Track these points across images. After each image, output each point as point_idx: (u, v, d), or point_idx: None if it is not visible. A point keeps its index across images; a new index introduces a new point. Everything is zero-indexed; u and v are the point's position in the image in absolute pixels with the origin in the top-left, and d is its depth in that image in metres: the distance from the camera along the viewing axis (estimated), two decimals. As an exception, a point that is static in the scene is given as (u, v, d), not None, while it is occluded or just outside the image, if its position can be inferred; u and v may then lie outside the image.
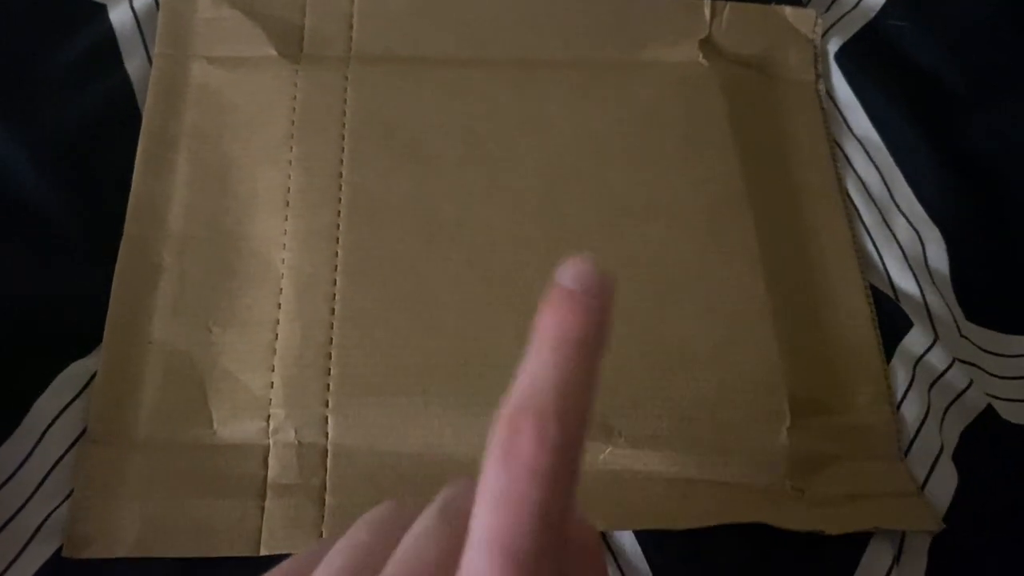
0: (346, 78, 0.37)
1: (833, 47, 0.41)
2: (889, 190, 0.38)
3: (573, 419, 0.16)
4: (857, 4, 0.42)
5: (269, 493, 0.29)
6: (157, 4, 0.38)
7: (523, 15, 0.39)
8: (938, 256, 0.36)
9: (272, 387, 0.31)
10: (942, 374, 0.34)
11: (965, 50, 0.41)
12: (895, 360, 0.34)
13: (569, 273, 0.18)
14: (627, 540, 0.30)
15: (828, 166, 0.38)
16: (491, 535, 0.16)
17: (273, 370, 0.31)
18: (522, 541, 0.15)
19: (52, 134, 0.35)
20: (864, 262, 0.36)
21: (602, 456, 0.30)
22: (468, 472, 0.29)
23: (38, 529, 0.28)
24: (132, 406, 0.30)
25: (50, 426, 0.30)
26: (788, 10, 0.41)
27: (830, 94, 0.40)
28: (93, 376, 0.31)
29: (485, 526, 0.16)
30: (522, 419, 0.16)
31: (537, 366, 0.17)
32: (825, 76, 0.40)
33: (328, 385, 0.31)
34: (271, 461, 0.30)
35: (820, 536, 0.29)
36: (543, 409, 0.16)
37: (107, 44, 0.37)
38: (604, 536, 0.30)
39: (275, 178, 0.34)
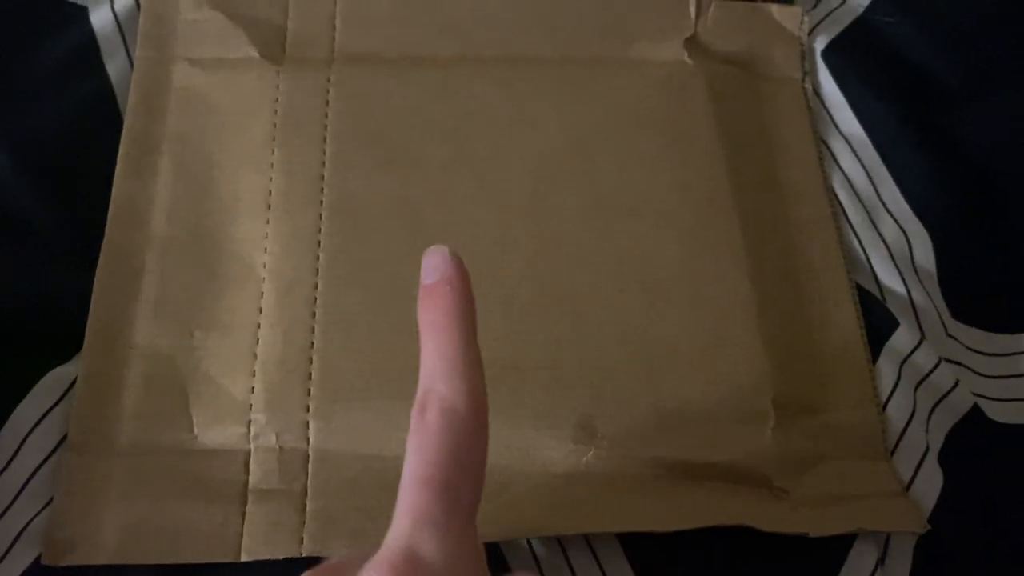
0: (329, 79, 0.36)
1: (820, 44, 0.40)
2: (876, 188, 0.37)
3: (463, 387, 0.21)
4: (844, 1, 0.42)
5: (250, 498, 0.29)
6: (138, 6, 0.38)
7: (508, 13, 0.39)
8: (925, 255, 0.36)
9: (253, 392, 0.30)
10: (928, 374, 0.33)
11: (953, 46, 0.40)
12: (881, 360, 0.34)
13: (425, 268, 0.22)
14: (610, 542, 0.30)
15: (814, 164, 0.38)
16: (412, 474, 0.20)
17: (254, 375, 0.31)
18: (434, 472, 0.20)
19: (32, 137, 0.35)
20: (850, 261, 0.36)
21: (585, 458, 0.30)
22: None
23: (18, 536, 0.28)
24: (113, 411, 0.30)
25: (30, 432, 0.30)
26: (774, 7, 0.41)
27: (817, 92, 0.40)
28: (74, 382, 0.31)
29: (408, 469, 0.20)
30: (425, 400, 0.21)
31: (427, 357, 0.21)
32: (812, 74, 0.40)
33: (309, 390, 0.30)
34: (252, 466, 0.30)
35: (804, 537, 0.29)
36: (438, 390, 0.21)
37: (88, 46, 0.37)
38: (586, 538, 0.30)
39: (257, 181, 0.34)
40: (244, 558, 0.28)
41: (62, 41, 0.37)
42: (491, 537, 0.29)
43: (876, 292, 0.35)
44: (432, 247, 0.22)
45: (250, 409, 0.30)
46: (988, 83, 0.40)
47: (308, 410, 0.30)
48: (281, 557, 0.28)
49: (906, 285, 0.35)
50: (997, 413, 0.34)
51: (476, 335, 0.21)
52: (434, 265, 0.22)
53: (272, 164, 0.35)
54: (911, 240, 0.36)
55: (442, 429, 0.20)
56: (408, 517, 0.20)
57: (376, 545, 0.21)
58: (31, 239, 0.33)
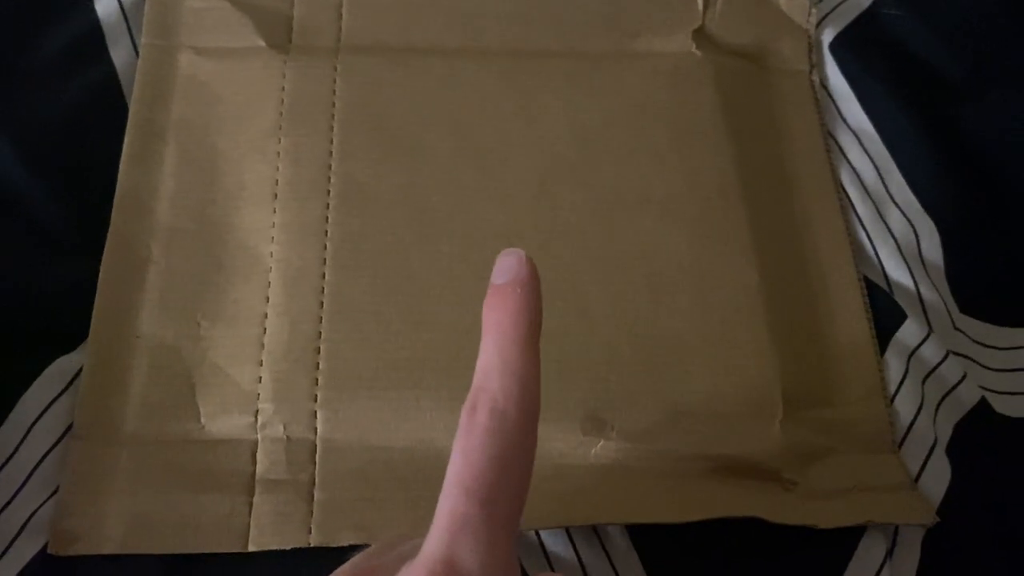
0: (335, 69, 0.36)
1: (827, 37, 0.40)
2: (883, 181, 0.37)
3: (516, 391, 0.20)
4: (851, -6, 0.42)
5: (257, 488, 0.29)
6: (143, -7, 0.37)
7: (515, 5, 0.39)
8: (932, 248, 0.36)
9: (260, 382, 0.30)
10: (936, 367, 0.33)
11: (961, 39, 0.40)
12: (889, 353, 0.34)
13: (497, 268, 0.22)
14: (619, 534, 0.30)
15: (822, 157, 0.38)
16: (455, 478, 0.20)
17: (261, 364, 0.31)
18: (477, 479, 0.20)
19: (37, 125, 0.35)
20: (858, 254, 0.36)
21: (594, 450, 0.30)
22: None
23: (24, 526, 0.28)
24: (119, 401, 0.30)
25: (36, 422, 0.30)
26: (782, -1, 0.41)
27: (824, 84, 0.40)
28: (80, 371, 0.31)
29: (452, 472, 0.20)
30: (477, 399, 0.21)
31: (485, 355, 0.21)
32: (819, 66, 0.40)
33: (317, 380, 0.30)
34: (259, 456, 0.30)
35: (813, 529, 0.29)
36: (492, 389, 0.20)
37: (93, 34, 0.37)
38: (595, 530, 0.30)
39: (263, 170, 0.34)
40: (251, 548, 0.28)
41: (66, 29, 0.37)
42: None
43: (884, 285, 0.35)
44: (508, 249, 0.22)
45: (257, 399, 0.30)
46: (995, 77, 0.40)
47: (316, 400, 0.30)
48: (289, 548, 0.28)
49: (914, 278, 0.35)
50: (1004, 407, 0.34)
51: (539, 342, 0.21)
52: (507, 266, 0.22)
53: (278, 153, 0.34)
54: (919, 233, 0.36)
55: (490, 433, 0.20)
56: (447, 524, 0.20)
57: (405, 538, 0.20)
58: (35, 228, 0.33)
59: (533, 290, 0.21)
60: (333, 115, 0.35)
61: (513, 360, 0.21)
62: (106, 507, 0.28)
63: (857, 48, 0.40)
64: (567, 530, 0.30)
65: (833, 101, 0.39)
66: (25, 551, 0.28)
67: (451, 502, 0.20)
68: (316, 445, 0.30)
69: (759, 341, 0.33)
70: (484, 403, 0.20)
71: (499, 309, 0.21)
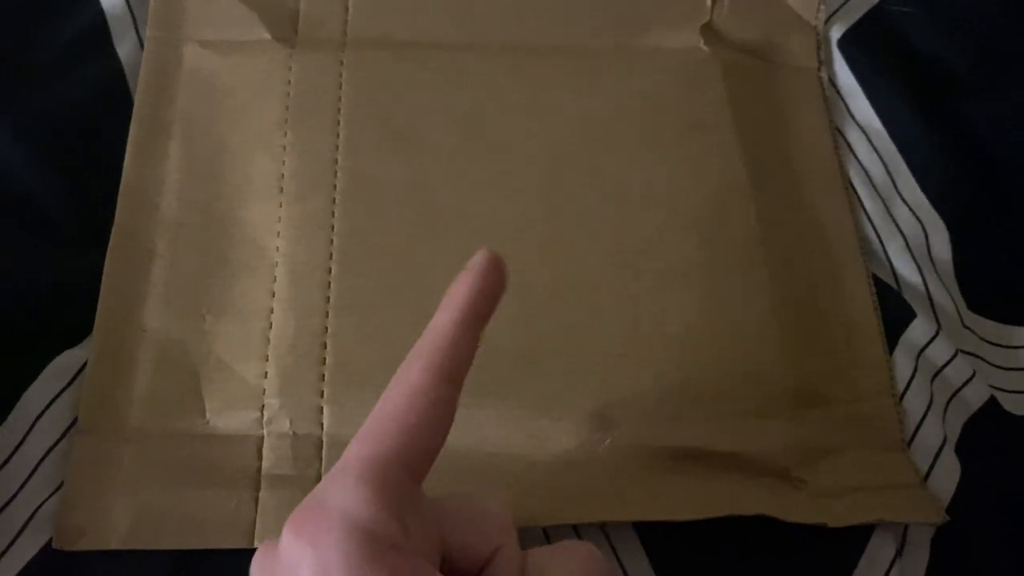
0: (342, 62, 0.36)
1: (836, 34, 0.40)
2: (892, 178, 0.37)
3: (445, 365, 0.22)
4: (859, -10, 0.41)
5: (263, 484, 0.29)
6: (149, -14, 0.37)
7: (522, 0, 0.39)
8: (941, 245, 0.36)
9: (266, 377, 0.30)
10: (945, 365, 0.33)
11: (970, 36, 0.40)
12: (898, 351, 0.33)
13: (469, 262, 0.23)
14: (627, 532, 0.29)
15: (830, 154, 0.38)
16: (347, 461, 0.21)
17: (267, 359, 0.30)
18: (368, 429, 0.21)
19: (42, 119, 0.34)
20: (867, 251, 0.36)
21: (601, 448, 0.30)
22: (466, 463, 0.29)
23: (28, 521, 0.28)
24: (124, 396, 0.30)
25: (40, 416, 0.29)
26: (791, -5, 0.40)
27: (832, 81, 0.40)
28: (84, 366, 0.30)
29: (349, 453, 0.21)
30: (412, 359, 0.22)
31: (431, 324, 0.23)
32: (828, 63, 0.40)
33: (323, 375, 0.30)
34: (265, 452, 0.29)
35: (822, 528, 0.29)
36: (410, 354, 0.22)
37: (98, 27, 0.36)
38: (603, 528, 0.30)
39: (269, 164, 0.34)
40: (257, 544, 0.28)
41: (72, 22, 0.37)
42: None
43: (892, 283, 0.35)
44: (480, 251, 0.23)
45: (263, 394, 0.30)
46: (1004, 75, 0.40)
47: (322, 395, 0.30)
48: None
49: (923, 276, 0.35)
50: (1013, 406, 0.33)
51: (475, 316, 0.23)
52: (473, 261, 0.23)
53: (284, 147, 0.34)
54: (928, 231, 0.36)
55: (392, 385, 0.22)
56: (335, 467, 0.21)
57: None
58: (41, 222, 0.33)
59: (481, 276, 0.23)
60: (339, 109, 0.35)
61: (458, 332, 0.22)
62: (111, 502, 0.28)
63: (866, 45, 0.40)
64: (575, 527, 0.29)
65: (841, 98, 0.39)
66: (30, 546, 0.28)
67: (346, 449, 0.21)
68: (322, 441, 0.30)
69: (767, 338, 0.32)
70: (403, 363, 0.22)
71: (456, 288, 0.23)
